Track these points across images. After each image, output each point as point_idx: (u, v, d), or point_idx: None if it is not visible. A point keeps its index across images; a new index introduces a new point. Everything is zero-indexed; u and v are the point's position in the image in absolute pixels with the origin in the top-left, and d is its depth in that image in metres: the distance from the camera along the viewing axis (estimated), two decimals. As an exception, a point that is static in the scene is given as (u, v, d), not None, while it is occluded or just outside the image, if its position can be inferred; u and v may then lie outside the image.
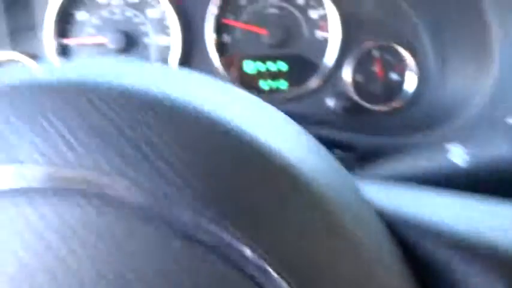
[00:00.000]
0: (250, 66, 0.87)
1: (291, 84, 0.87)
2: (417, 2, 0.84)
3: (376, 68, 0.87)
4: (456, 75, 0.79)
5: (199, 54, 0.85)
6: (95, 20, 0.84)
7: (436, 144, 0.55)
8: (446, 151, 0.53)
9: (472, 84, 0.72)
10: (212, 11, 0.83)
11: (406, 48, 0.85)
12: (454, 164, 0.52)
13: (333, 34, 0.85)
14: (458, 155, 0.52)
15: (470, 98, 0.71)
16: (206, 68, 0.85)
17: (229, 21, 0.85)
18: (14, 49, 0.82)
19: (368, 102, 0.85)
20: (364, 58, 0.86)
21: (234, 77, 0.85)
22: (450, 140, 0.57)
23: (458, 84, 0.78)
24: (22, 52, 0.82)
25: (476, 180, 0.52)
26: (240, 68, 0.87)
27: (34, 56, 0.82)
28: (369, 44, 0.85)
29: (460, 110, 0.71)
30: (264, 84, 0.87)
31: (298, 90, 0.86)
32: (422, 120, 0.80)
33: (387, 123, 0.86)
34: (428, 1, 0.83)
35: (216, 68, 0.84)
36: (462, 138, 0.55)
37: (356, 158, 0.80)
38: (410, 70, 0.85)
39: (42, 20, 0.81)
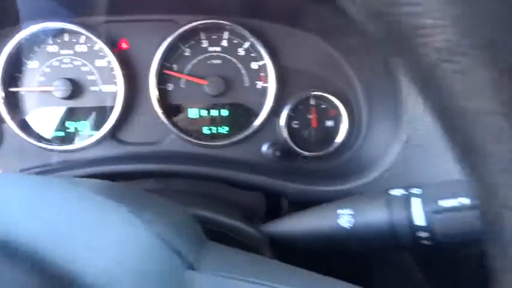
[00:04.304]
0: (194, 113, 0.92)
1: (231, 130, 0.93)
2: (349, 52, 0.90)
3: (311, 116, 0.92)
4: (378, 131, 0.85)
5: (144, 102, 0.90)
6: (45, 69, 0.89)
7: (331, 208, 0.60)
8: (337, 215, 0.59)
9: (386, 145, 0.77)
10: (156, 61, 0.89)
11: (339, 98, 0.91)
12: (341, 227, 0.58)
13: (271, 84, 0.90)
14: (346, 220, 0.58)
15: (381, 158, 0.76)
16: (150, 115, 0.90)
17: (172, 72, 0.90)
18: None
19: (301, 148, 0.90)
20: (300, 107, 0.91)
21: (176, 124, 0.91)
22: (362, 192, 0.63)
23: (377, 141, 0.83)
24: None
25: (358, 243, 0.58)
26: (185, 115, 0.92)
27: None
28: (304, 93, 0.91)
29: (372, 167, 0.76)
30: (206, 130, 0.93)
31: (237, 136, 0.91)
32: (348, 169, 0.86)
33: (317, 169, 0.91)
34: (358, 52, 0.88)
35: (158, 115, 0.90)
36: (352, 201, 0.60)
37: (288, 203, 0.85)
38: (342, 119, 0.91)
39: None
